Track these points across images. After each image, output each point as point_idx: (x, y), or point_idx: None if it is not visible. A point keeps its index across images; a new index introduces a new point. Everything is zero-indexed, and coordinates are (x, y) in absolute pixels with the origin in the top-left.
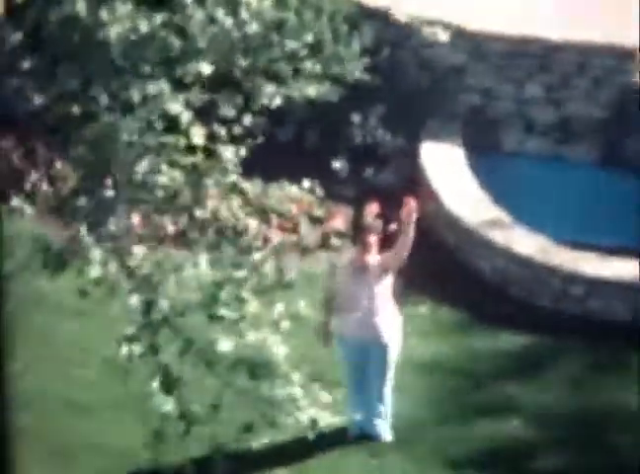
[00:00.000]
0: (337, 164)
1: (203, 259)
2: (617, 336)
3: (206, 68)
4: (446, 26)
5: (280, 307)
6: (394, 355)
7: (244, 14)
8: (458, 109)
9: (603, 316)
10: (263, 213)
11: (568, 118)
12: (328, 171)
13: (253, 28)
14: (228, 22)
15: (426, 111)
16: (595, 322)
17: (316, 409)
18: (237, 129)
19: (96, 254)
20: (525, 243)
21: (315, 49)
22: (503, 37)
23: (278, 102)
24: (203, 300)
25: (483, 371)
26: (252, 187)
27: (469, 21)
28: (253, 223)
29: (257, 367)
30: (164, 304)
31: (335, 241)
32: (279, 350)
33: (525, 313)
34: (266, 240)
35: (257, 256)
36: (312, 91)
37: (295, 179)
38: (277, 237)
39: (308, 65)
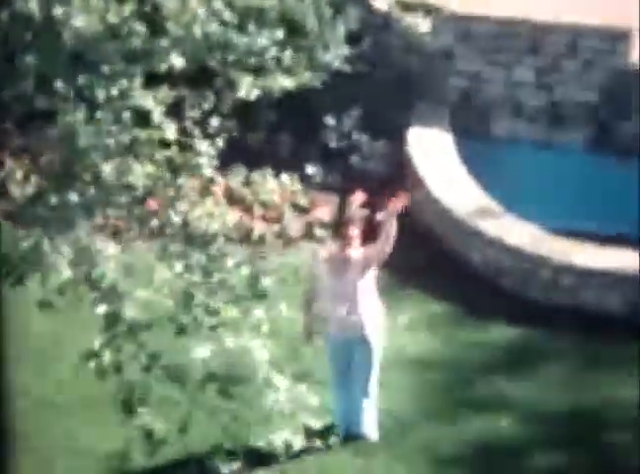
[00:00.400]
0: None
1: (177, 264)
2: (611, 329)
3: (179, 61)
4: (430, 9)
5: (259, 313)
6: (378, 351)
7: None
8: (446, 93)
9: (596, 308)
10: (244, 203)
11: (558, 103)
12: (315, 158)
13: (227, 16)
14: (202, 10)
15: (413, 95)
16: (587, 314)
17: (292, 428)
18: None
19: (59, 262)
20: (516, 232)
21: (300, 34)
22: (490, 18)
23: (255, 93)
24: (175, 309)
25: (473, 366)
26: (233, 175)
27: (456, 3)
28: (234, 214)
29: (230, 382)
30: (130, 314)
31: (319, 231)
32: (261, 355)
33: (517, 305)
34: (248, 231)
35: (230, 262)
36: (291, 83)
37: (277, 168)
38: (259, 228)
39: (287, 55)
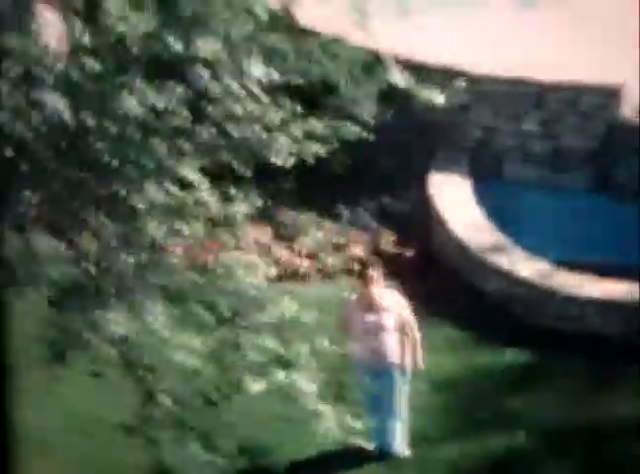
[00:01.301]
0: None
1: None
2: (611, 352)
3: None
4: (453, 71)
5: (304, 348)
6: (405, 377)
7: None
8: (464, 142)
9: (598, 333)
10: (291, 242)
11: (561, 150)
12: (349, 202)
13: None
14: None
15: (434, 144)
16: (590, 339)
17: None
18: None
19: (98, 347)
20: (526, 267)
21: (336, 93)
22: (501, 78)
23: (291, 160)
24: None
25: (489, 386)
26: (281, 218)
27: (473, 65)
28: (284, 252)
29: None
30: (165, 399)
31: (355, 266)
32: (309, 388)
33: (527, 331)
34: (294, 267)
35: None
36: (322, 149)
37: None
38: (304, 264)
39: (319, 126)
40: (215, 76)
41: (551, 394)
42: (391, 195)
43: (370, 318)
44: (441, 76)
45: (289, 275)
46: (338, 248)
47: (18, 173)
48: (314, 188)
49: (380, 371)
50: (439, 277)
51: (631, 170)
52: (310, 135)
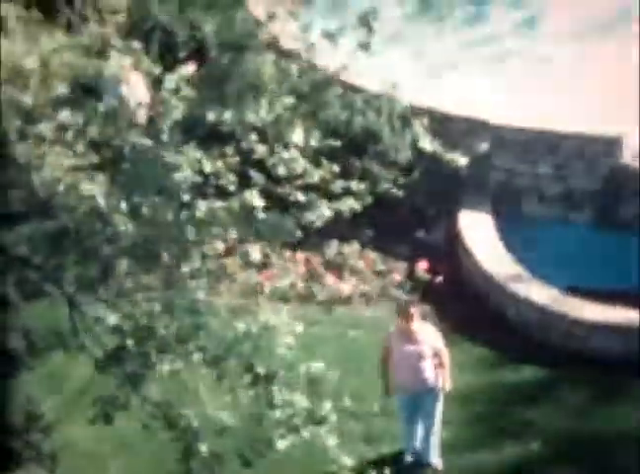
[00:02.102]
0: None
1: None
2: (614, 368)
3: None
4: (478, 122)
5: (328, 404)
6: (441, 397)
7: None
8: (487, 184)
9: (602, 352)
10: (337, 269)
11: (571, 190)
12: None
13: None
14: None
15: (461, 186)
16: (595, 357)
17: None
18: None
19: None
20: (540, 293)
21: (377, 140)
22: (519, 128)
23: (328, 214)
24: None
25: (507, 400)
26: (328, 248)
27: (495, 116)
28: (332, 279)
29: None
30: (203, 449)
31: (394, 291)
32: (330, 441)
33: (542, 351)
34: (340, 292)
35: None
36: (357, 205)
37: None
38: (348, 289)
39: (354, 184)
40: (261, 141)
41: (562, 406)
42: (425, 229)
43: (410, 348)
44: (467, 125)
45: (336, 299)
46: (379, 275)
47: (62, 247)
48: (358, 222)
49: (419, 394)
50: (464, 302)
51: (631, 208)
52: (347, 192)
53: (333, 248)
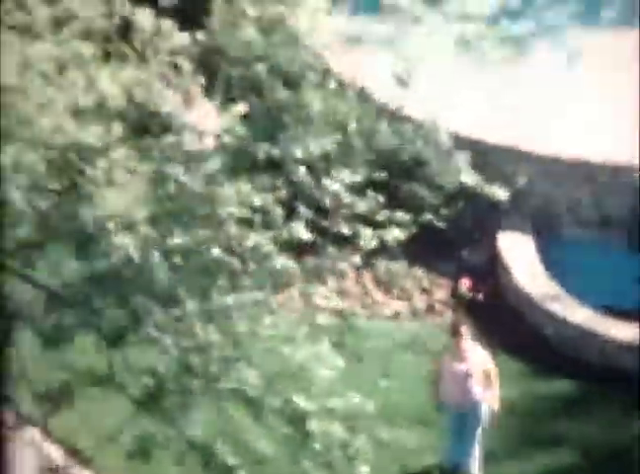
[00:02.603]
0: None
1: None
2: None
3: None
4: (522, 151)
5: (362, 438)
6: (485, 413)
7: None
8: (528, 208)
9: (632, 369)
10: (386, 286)
11: (607, 215)
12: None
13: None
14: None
15: (504, 209)
16: (625, 373)
17: None
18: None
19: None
20: (576, 313)
21: (424, 166)
22: (559, 158)
23: (373, 243)
24: None
25: (542, 412)
26: (378, 267)
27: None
28: (381, 295)
29: None
30: None
31: (439, 307)
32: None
33: (575, 365)
34: (387, 308)
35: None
36: (402, 235)
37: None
38: (396, 305)
39: (399, 215)
40: (309, 175)
41: (595, 420)
42: (468, 248)
43: (459, 366)
44: (511, 154)
45: (384, 314)
46: (424, 291)
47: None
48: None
49: (467, 410)
50: (503, 318)
51: None
52: (391, 222)
53: (382, 266)
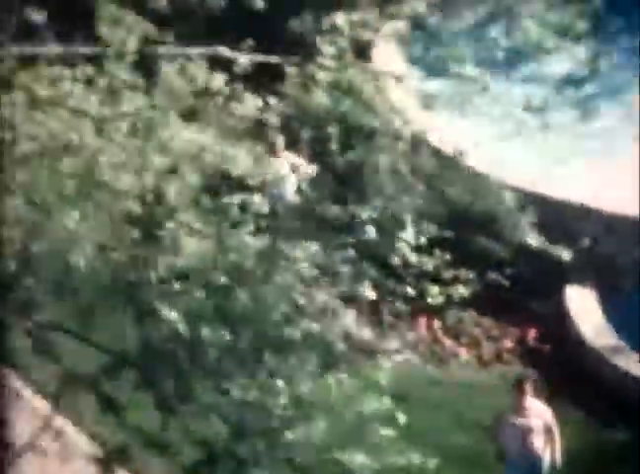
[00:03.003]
0: None
1: None
2: None
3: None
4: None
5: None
6: (546, 467)
7: None
8: (594, 262)
9: None
10: (456, 334)
11: None
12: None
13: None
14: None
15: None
16: None
17: None
18: None
19: None
20: (638, 366)
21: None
22: (627, 217)
23: (440, 299)
24: None
25: (603, 463)
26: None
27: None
28: (450, 342)
29: None
30: None
31: (507, 356)
32: None
33: (637, 417)
34: (455, 355)
35: None
36: (467, 292)
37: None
38: (464, 352)
39: (463, 273)
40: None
41: None
42: (536, 301)
43: (521, 421)
44: (579, 211)
45: (453, 361)
46: (493, 340)
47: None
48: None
49: (528, 464)
50: (568, 369)
51: None
52: (457, 279)
53: (452, 315)
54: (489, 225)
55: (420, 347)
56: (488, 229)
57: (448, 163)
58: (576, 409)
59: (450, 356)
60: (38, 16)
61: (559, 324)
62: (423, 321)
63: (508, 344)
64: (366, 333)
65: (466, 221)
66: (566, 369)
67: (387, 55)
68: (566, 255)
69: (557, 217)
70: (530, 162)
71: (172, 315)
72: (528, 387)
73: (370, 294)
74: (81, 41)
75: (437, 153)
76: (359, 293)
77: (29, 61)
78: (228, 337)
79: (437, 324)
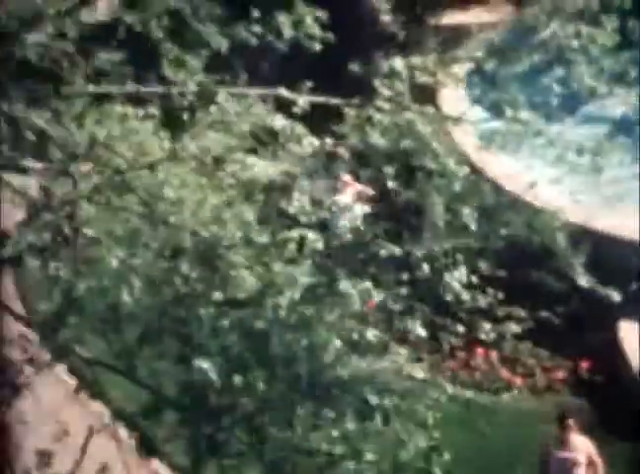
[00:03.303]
0: None
1: None
2: None
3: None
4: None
5: None
6: None
7: None
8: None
9: None
10: (512, 364)
11: None
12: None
13: None
14: None
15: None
16: None
17: None
18: None
19: None
20: None
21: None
22: None
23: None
24: None
25: None
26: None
27: None
28: (505, 372)
29: None
30: None
31: (558, 386)
32: None
33: None
34: (510, 383)
35: None
36: (519, 329)
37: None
38: (519, 381)
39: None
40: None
41: None
42: (589, 333)
43: (565, 454)
44: (631, 247)
45: (508, 390)
46: (546, 370)
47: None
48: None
49: None
50: (619, 401)
51: None
52: (510, 317)
53: (508, 345)
54: (545, 261)
55: (476, 376)
56: (543, 265)
57: (508, 199)
58: (626, 443)
59: (505, 385)
60: (112, 57)
61: (612, 357)
62: (480, 351)
63: (560, 375)
64: (418, 370)
65: (522, 257)
66: (616, 402)
67: (453, 97)
68: (616, 296)
69: (609, 253)
70: (583, 202)
71: (204, 365)
72: (571, 421)
73: (421, 332)
74: (152, 82)
75: (497, 189)
76: (411, 330)
77: (101, 100)
78: (270, 381)
79: (493, 354)
